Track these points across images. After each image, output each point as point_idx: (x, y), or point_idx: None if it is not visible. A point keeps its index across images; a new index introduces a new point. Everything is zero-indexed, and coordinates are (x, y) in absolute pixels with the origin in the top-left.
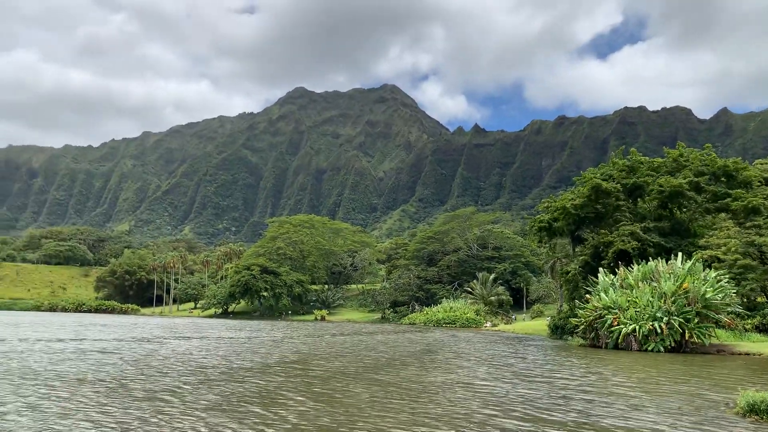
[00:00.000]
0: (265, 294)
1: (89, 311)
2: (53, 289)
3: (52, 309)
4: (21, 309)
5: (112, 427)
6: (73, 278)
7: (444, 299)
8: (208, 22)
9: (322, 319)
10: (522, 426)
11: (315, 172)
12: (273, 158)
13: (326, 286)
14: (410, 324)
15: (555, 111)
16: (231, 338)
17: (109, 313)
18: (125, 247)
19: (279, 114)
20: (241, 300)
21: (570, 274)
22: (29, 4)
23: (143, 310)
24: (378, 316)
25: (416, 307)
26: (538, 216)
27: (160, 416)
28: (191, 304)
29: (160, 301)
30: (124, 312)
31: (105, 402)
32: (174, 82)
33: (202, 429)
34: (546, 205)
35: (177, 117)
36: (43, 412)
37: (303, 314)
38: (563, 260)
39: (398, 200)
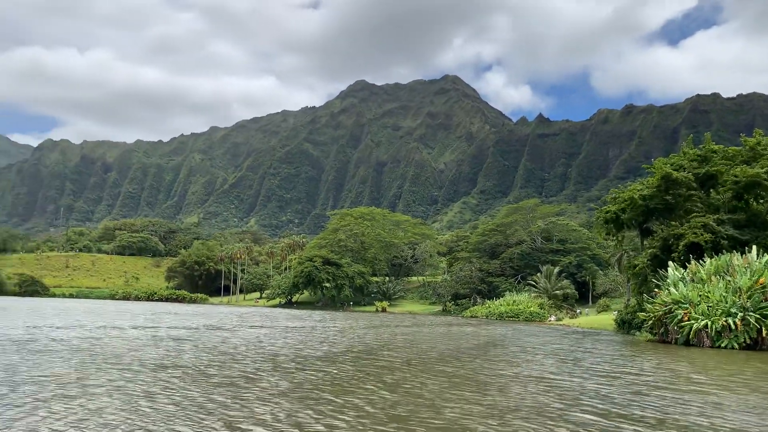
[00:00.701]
0: (327, 285)
1: (160, 300)
2: (127, 279)
3: (125, 298)
4: (97, 297)
5: (195, 410)
6: (146, 268)
7: (507, 292)
8: (273, 19)
9: (383, 310)
10: (599, 421)
11: (375, 164)
12: (334, 151)
13: (387, 277)
14: (472, 317)
15: (623, 100)
16: (297, 327)
17: (179, 302)
18: (194, 239)
19: (340, 107)
20: (304, 290)
21: (638, 268)
22: (103, 4)
23: (211, 299)
24: (439, 308)
25: (478, 299)
26: (605, 207)
27: (239, 401)
28: (257, 294)
29: (227, 291)
30: (194, 301)
31: (185, 386)
32: (241, 78)
33: (281, 415)
34: (613, 196)
35: (243, 112)
36: (130, 394)
37: (364, 305)
38: (631, 253)
39: (459, 192)
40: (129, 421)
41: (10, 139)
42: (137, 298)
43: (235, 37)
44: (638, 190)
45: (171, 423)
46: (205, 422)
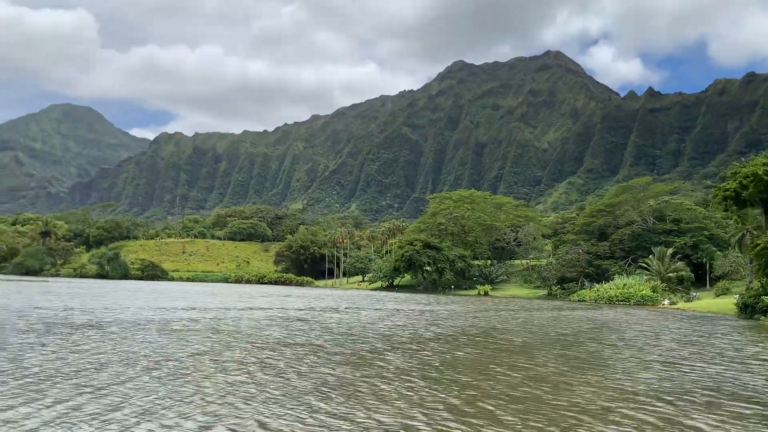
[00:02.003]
0: (428, 268)
1: (269, 283)
2: (238, 263)
3: (237, 281)
4: (211, 281)
5: (322, 385)
6: (255, 253)
7: (616, 275)
8: (374, 5)
9: (485, 294)
10: (755, 409)
11: (475, 146)
12: (433, 134)
13: (489, 261)
14: (579, 301)
15: (743, 68)
16: (404, 310)
17: (287, 284)
18: (299, 224)
19: (438, 89)
20: (405, 274)
21: (761, 248)
22: (211, 2)
23: (316, 282)
24: (544, 292)
25: (585, 283)
26: (723, 184)
27: (364, 378)
28: (359, 277)
29: (331, 274)
30: (300, 284)
31: (313, 362)
32: (342, 65)
33: (407, 392)
34: (733, 171)
35: (344, 99)
36: (263, 368)
37: (465, 289)
38: (754, 232)
39: (564, 172)
40: (264, 393)
41: (130, 133)
42: (248, 281)
43: (337, 25)
44: (762, 165)
45: (302, 397)
46: (333, 396)
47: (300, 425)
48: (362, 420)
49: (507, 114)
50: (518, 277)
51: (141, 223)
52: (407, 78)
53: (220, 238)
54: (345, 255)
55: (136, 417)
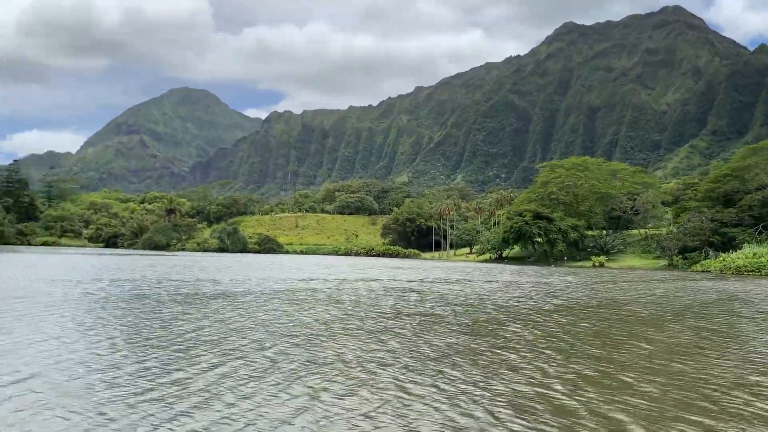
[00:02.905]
0: (538, 240)
1: (377, 255)
2: (347, 236)
3: (347, 253)
4: (323, 253)
5: (461, 354)
6: (363, 226)
7: (745, 244)
8: None
9: (600, 265)
10: None
11: (587, 110)
12: (541, 100)
13: (604, 231)
14: (703, 271)
15: None
16: (517, 282)
17: (394, 257)
18: (405, 197)
19: (546, 53)
20: (514, 245)
21: None
22: None
23: (423, 255)
24: (664, 262)
25: (710, 253)
26: None
27: (501, 349)
28: (466, 249)
29: (438, 246)
30: (407, 256)
31: (438, 330)
32: (446, 35)
33: (541, 364)
34: None
35: (448, 68)
36: (400, 335)
37: (579, 260)
38: None
39: (685, 135)
40: (398, 360)
41: (244, 114)
42: (357, 254)
43: None
44: None
45: (435, 365)
46: (464, 365)
47: (438, 392)
48: (501, 389)
49: (621, 76)
50: (636, 248)
51: (256, 199)
52: (514, 43)
53: (329, 212)
54: (451, 227)
55: (287, 381)
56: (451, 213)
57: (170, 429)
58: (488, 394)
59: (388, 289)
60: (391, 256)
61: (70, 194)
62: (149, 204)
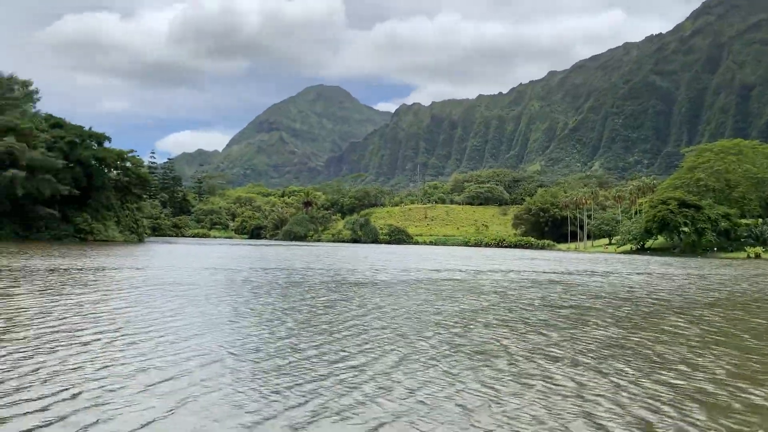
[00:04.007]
0: (685, 229)
1: (509, 246)
2: (477, 227)
3: (477, 244)
4: (452, 244)
5: (626, 348)
6: (493, 216)
7: None
8: None
9: (757, 256)
10: None
11: (739, 89)
12: (686, 80)
13: (760, 219)
14: None
15: None
16: (668, 274)
17: (527, 248)
18: (538, 186)
19: (692, 29)
20: (658, 236)
21: None
22: None
23: (558, 246)
24: None
25: None
26: None
27: (673, 345)
28: (605, 240)
29: (573, 237)
30: (541, 247)
31: (594, 323)
32: (582, 17)
33: (726, 362)
34: None
35: (583, 51)
36: (555, 327)
37: (731, 251)
38: None
39: None
40: (562, 352)
41: (374, 108)
42: (488, 245)
43: None
44: None
45: (599, 358)
46: (627, 357)
47: (615, 387)
48: (681, 385)
49: None
50: None
51: (386, 191)
52: (655, 21)
53: (458, 203)
54: (588, 217)
55: (458, 371)
56: (588, 202)
57: (356, 414)
58: (667, 390)
59: (529, 280)
60: (523, 247)
61: (218, 189)
62: (288, 197)
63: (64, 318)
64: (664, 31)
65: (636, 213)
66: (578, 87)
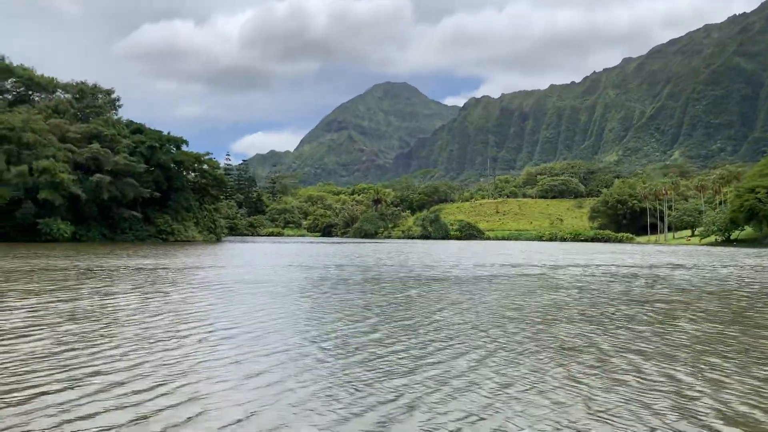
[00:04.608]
0: None
1: (585, 240)
2: (551, 221)
3: (551, 239)
4: (526, 239)
5: (727, 344)
6: (568, 210)
7: None
8: None
9: None
10: None
11: None
12: None
13: None
14: None
15: None
16: (762, 266)
17: (605, 241)
18: (615, 177)
19: None
20: (745, 226)
21: None
22: None
23: (637, 239)
24: None
25: None
26: None
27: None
28: (687, 232)
29: (654, 229)
30: (619, 240)
31: (689, 318)
32: None
33: None
34: None
35: (661, 35)
36: (647, 322)
37: None
38: None
39: None
40: (657, 347)
41: (443, 102)
42: (563, 239)
43: None
44: None
45: (690, 352)
46: (725, 353)
47: (712, 384)
48: None
49: None
50: None
51: (456, 187)
52: (738, 1)
53: (531, 197)
54: (669, 208)
55: (546, 367)
56: (669, 192)
57: (448, 409)
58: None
59: (609, 274)
60: (600, 240)
61: (290, 189)
62: (358, 195)
63: (159, 315)
64: (748, 11)
65: (720, 203)
66: (656, 73)
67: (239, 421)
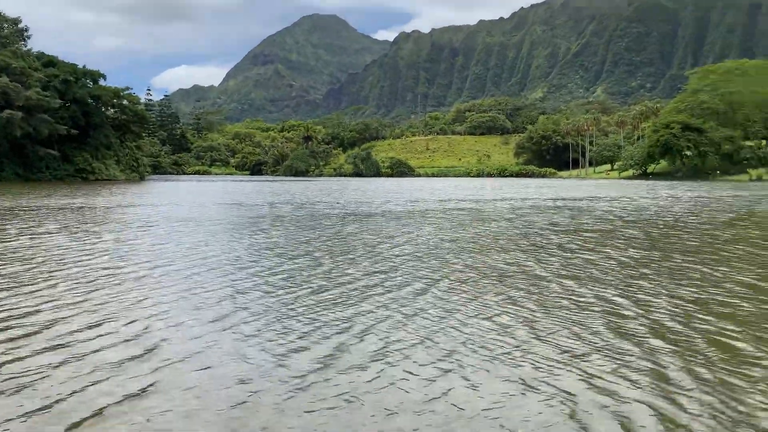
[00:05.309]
0: (688, 153)
1: (511, 176)
2: (479, 157)
3: (479, 175)
4: (454, 176)
5: (647, 264)
6: (495, 146)
7: None
8: None
9: (759, 179)
10: None
11: (748, 7)
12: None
13: (764, 141)
14: None
15: None
16: (677, 196)
17: (529, 177)
18: (540, 114)
19: None
20: (660, 160)
21: None
22: None
23: (560, 174)
24: None
25: None
26: None
27: (691, 262)
28: (607, 166)
29: (575, 164)
30: (543, 176)
31: (614, 244)
32: None
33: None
34: None
35: None
36: (591, 250)
37: (733, 174)
38: None
39: None
40: (589, 273)
41: (373, 37)
42: (490, 175)
43: None
44: None
45: (618, 275)
46: (649, 275)
47: (639, 302)
48: (708, 298)
49: None
50: None
51: (387, 124)
52: None
53: (460, 134)
54: (590, 143)
55: (483, 291)
56: (591, 128)
57: (394, 341)
58: (692, 305)
59: (537, 207)
60: (525, 176)
61: (216, 126)
62: (288, 132)
63: (94, 254)
64: None
65: (639, 138)
66: (581, 10)
67: (196, 353)
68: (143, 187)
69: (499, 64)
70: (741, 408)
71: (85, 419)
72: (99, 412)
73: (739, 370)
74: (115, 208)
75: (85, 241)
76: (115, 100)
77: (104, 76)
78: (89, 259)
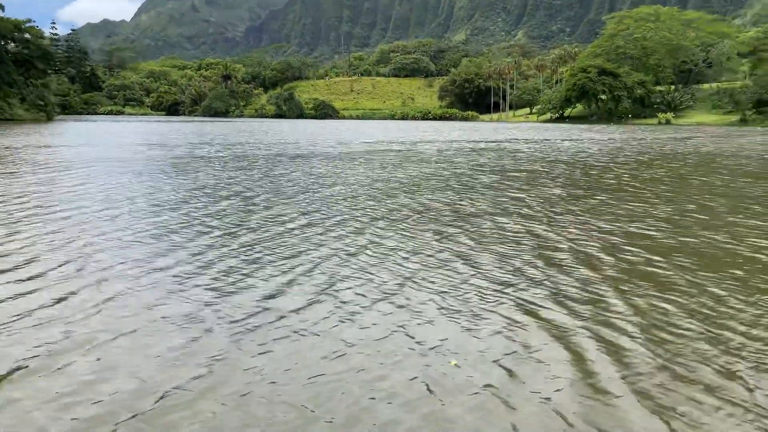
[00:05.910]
0: (603, 97)
1: (434, 119)
2: (403, 100)
3: (403, 117)
4: (379, 118)
5: (566, 200)
6: (419, 89)
7: None
8: None
9: (667, 122)
10: None
11: None
12: None
13: (672, 86)
14: None
15: None
16: (593, 139)
17: (451, 119)
18: (463, 56)
19: None
20: (577, 104)
21: None
22: None
23: (482, 117)
24: (735, 118)
25: None
26: None
27: (617, 199)
28: (527, 110)
29: (497, 108)
30: (465, 119)
31: (530, 179)
32: None
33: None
34: None
35: None
36: (513, 188)
37: (644, 118)
38: None
39: None
40: (511, 210)
41: None
42: (413, 118)
43: None
44: None
45: (545, 212)
46: (573, 210)
47: (568, 234)
48: (631, 230)
49: None
50: (706, 103)
51: (310, 63)
52: None
53: (384, 75)
54: (511, 87)
55: (434, 230)
56: (511, 72)
57: (342, 278)
58: (619, 234)
59: (463, 149)
60: (447, 119)
61: (129, 63)
62: (205, 71)
63: (16, 197)
64: None
65: (557, 82)
66: None
67: (136, 293)
68: (54, 127)
69: (423, 4)
70: (674, 330)
71: (17, 369)
72: (37, 357)
73: (666, 296)
74: (28, 149)
75: (1, 183)
76: (15, 34)
77: (2, 7)
78: (8, 202)
